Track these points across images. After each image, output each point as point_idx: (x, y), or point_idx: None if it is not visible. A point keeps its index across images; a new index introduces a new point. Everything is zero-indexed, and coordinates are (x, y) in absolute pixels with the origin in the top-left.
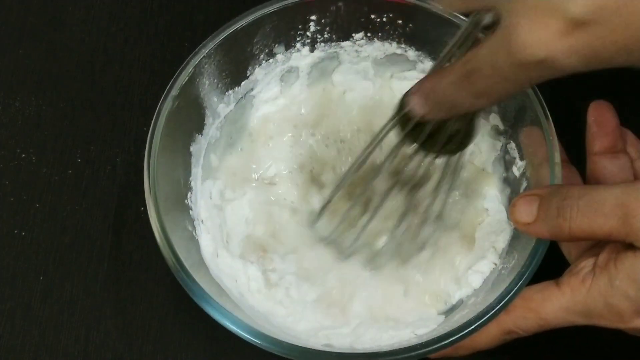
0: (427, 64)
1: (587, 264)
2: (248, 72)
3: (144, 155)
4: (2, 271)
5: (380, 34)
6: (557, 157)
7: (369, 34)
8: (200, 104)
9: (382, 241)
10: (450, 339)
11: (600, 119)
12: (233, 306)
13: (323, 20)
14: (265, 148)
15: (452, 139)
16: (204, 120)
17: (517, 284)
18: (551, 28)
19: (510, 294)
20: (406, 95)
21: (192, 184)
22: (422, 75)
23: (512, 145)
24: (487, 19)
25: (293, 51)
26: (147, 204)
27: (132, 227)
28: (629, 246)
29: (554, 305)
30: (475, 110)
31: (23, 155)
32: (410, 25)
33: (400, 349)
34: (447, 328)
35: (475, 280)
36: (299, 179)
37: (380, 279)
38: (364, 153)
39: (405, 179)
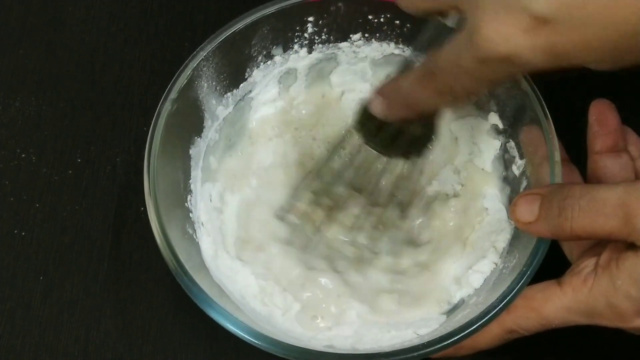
0: (415, 65)
1: (588, 263)
2: (246, 74)
3: (144, 155)
4: (2, 271)
5: (378, 34)
6: (557, 155)
7: (366, 35)
8: (199, 106)
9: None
10: (452, 339)
11: (602, 118)
12: (234, 308)
13: (321, 22)
14: (265, 150)
15: (413, 142)
16: (203, 123)
17: (518, 284)
18: (515, 25)
19: (512, 294)
20: (369, 96)
21: (192, 186)
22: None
23: (512, 144)
24: (451, 21)
25: (291, 53)
26: (147, 208)
27: (132, 227)
28: (631, 246)
29: (556, 304)
30: (436, 110)
31: (23, 155)
32: (408, 25)
33: (401, 349)
34: (449, 328)
35: (476, 280)
36: (296, 180)
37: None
38: (327, 156)
39: (368, 181)
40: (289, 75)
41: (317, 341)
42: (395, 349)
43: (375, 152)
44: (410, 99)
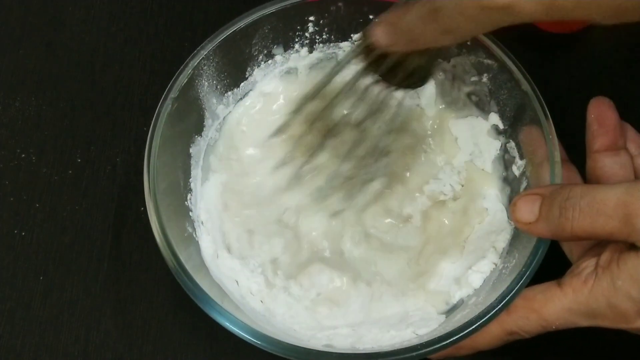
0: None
1: (589, 264)
2: (247, 73)
3: (144, 155)
4: (2, 271)
5: (353, 35)
6: (557, 155)
7: None
8: (200, 105)
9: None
10: (451, 339)
11: (601, 116)
12: (234, 307)
13: (321, 21)
14: (262, 149)
15: (412, 73)
16: (204, 122)
17: (518, 284)
18: None
19: (511, 294)
20: (371, 25)
21: (192, 185)
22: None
23: (512, 144)
24: None
25: (292, 52)
26: (147, 206)
27: (132, 227)
28: (631, 246)
29: (556, 306)
30: (437, 46)
31: (23, 155)
32: None
33: (401, 349)
34: (448, 328)
35: (476, 280)
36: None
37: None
38: (325, 80)
39: (362, 111)
40: (289, 75)
41: (317, 340)
42: (395, 348)
43: (374, 81)
44: (414, 33)
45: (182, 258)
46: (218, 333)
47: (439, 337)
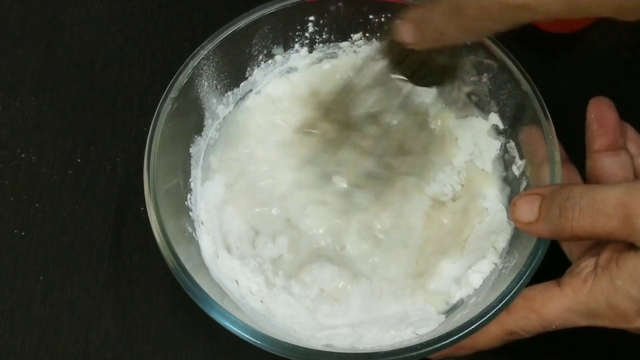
0: None
1: (588, 263)
2: (247, 73)
3: (144, 155)
4: (2, 271)
5: (378, 34)
6: (557, 155)
7: (367, 35)
8: (200, 105)
9: (367, 163)
10: (451, 339)
11: (600, 116)
12: (234, 307)
13: (321, 21)
14: (263, 148)
15: (437, 70)
16: (203, 122)
17: (517, 284)
18: None
19: (511, 294)
20: (395, 23)
21: (192, 185)
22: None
23: (512, 144)
24: None
25: (292, 52)
26: (147, 206)
27: (132, 227)
28: (631, 246)
29: (556, 305)
30: (462, 43)
31: (23, 155)
32: None
33: (401, 348)
34: (448, 328)
35: (476, 280)
36: (296, 175)
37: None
38: (349, 77)
39: (388, 110)
40: (289, 75)
41: (317, 340)
42: (395, 348)
43: (400, 79)
44: (437, 32)
45: (182, 258)
46: (218, 333)
47: (439, 337)
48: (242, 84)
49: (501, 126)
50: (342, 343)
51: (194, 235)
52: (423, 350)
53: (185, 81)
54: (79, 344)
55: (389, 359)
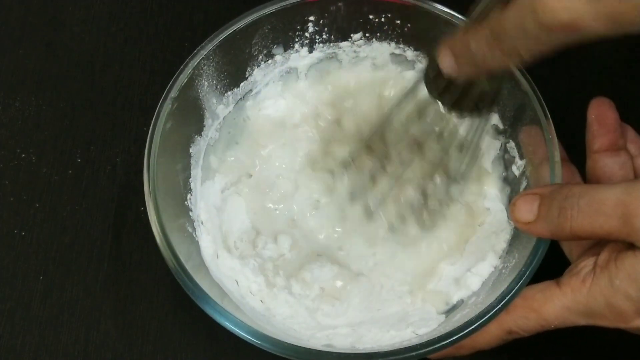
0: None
1: (587, 263)
2: (247, 73)
3: (144, 155)
4: (2, 271)
5: (378, 34)
6: (557, 155)
7: (367, 35)
8: (200, 105)
9: (405, 204)
10: (451, 339)
11: (601, 117)
12: (234, 307)
13: (321, 21)
14: (264, 148)
15: (480, 99)
16: (203, 122)
17: (517, 284)
18: None
19: (511, 294)
20: (436, 53)
21: (192, 185)
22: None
23: (512, 144)
24: None
25: (292, 52)
26: (147, 206)
27: (132, 227)
28: (630, 246)
29: (555, 305)
30: (504, 69)
31: (23, 155)
32: (409, 25)
33: (401, 348)
34: (448, 328)
35: (475, 282)
36: (298, 175)
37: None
38: (391, 111)
39: (430, 141)
40: (289, 75)
41: (317, 340)
42: (395, 348)
43: (442, 107)
44: (479, 59)
45: (182, 258)
46: (218, 333)
47: (438, 337)
48: (242, 84)
49: (501, 126)
50: (342, 343)
51: (194, 235)
52: (423, 350)
53: (185, 81)
54: (79, 344)
55: (389, 359)
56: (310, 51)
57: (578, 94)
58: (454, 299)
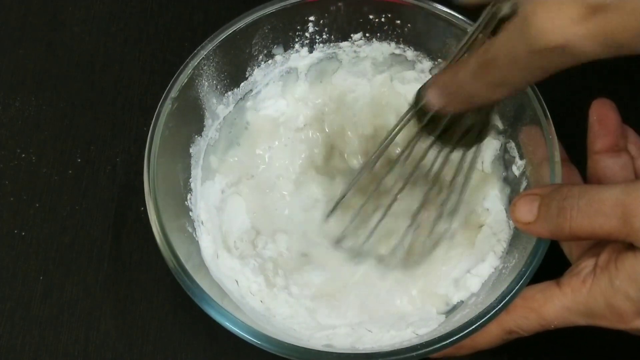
0: (426, 64)
1: (588, 264)
2: (247, 73)
3: (144, 155)
4: (2, 271)
5: (378, 34)
6: (557, 155)
7: (367, 35)
8: (200, 105)
9: (393, 239)
10: (451, 339)
11: (603, 118)
12: (234, 307)
13: (321, 21)
14: (265, 148)
15: (468, 132)
16: (203, 122)
17: (517, 284)
18: (568, 14)
19: (511, 294)
20: (422, 88)
21: (192, 185)
22: (421, 75)
23: (512, 144)
24: (505, 10)
25: (292, 52)
26: (147, 206)
27: (132, 227)
28: (630, 246)
29: (555, 305)
30: (492, 102)
31: (23, 155)
32: (409, 25)
33: (401, 349)
34: (448, 328)
35: (474, 284)
36: (299, 176)
37: (379, 278)
38: (379, 148)
39: (419, 174)
40: (289, 75)
41: (317, 340)
42: (395, 348)
43: (429, 141)
44: (467, 92)
45: (182, 258)
46: (218, 333)
47: (439, 337)
48: (242, 84)
49: (501, 126)
50: (342, 343)
51: (194, 235)
52: (423, 350)
53: (185, 81)
54: (79, 344)
55: (389, 359)
56: (311, 51)
57: (578, 94)
58: (454, 300)
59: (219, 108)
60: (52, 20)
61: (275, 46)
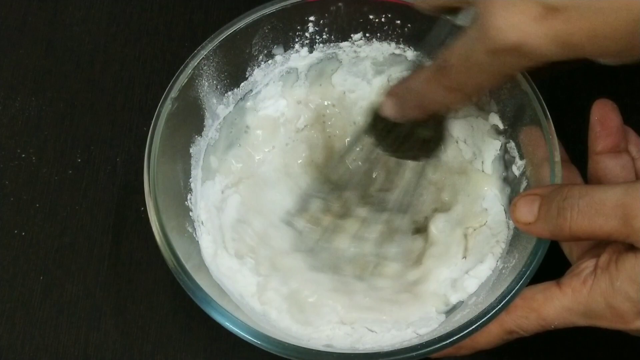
0: (426, 64)
1: (588, 264)
2: (247, 73)
3: (144, 155)
4: (2, 271)
5: (378, 34)
6: (557, 156)
7: (367, 35)
8: (200, 105)
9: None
10: (452, 339)
11: (604, 119)
12: (234, 307)
13: (322, 21)
14: (265, 148)
15: (422, 145)
16: (204, 122)
17: (517, 284)
18: (525, 13)
19: (511, 294)
20: (379, 99)
21: (192, 185)
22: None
23: (512, 144)
24: (462, 19)
25: (292, 52)
26: (147, 206)
27: (132, 227)
28: (630, 247)
29: (556, 305)
30: (446, 109)
31: (23, 155)
32: (409, 25)
33: (401, 349)
34: (448, 328)
35: (471, 285)
36: (299, 176)
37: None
38: (338, 157)
39: (377, 182)
40: (290, 75)
41: (317, 340)
42: (395, 348)
43: (385, 154)
44: (422, 98)
45: (182, 258)
46: (218, 333)
47: (439, 337)
48: (242, 84)
49: (501, 126)
50: (342, 343)
51: (194, 235)
52: (423, 350)
53: (185, 81)
54: (79, 344)
55: (389, 359)
56: (311, 51)
57: (578, 94)
58: (452, 301)
59: (219, 108)
60: (52, 20)
61: (275, 46)
